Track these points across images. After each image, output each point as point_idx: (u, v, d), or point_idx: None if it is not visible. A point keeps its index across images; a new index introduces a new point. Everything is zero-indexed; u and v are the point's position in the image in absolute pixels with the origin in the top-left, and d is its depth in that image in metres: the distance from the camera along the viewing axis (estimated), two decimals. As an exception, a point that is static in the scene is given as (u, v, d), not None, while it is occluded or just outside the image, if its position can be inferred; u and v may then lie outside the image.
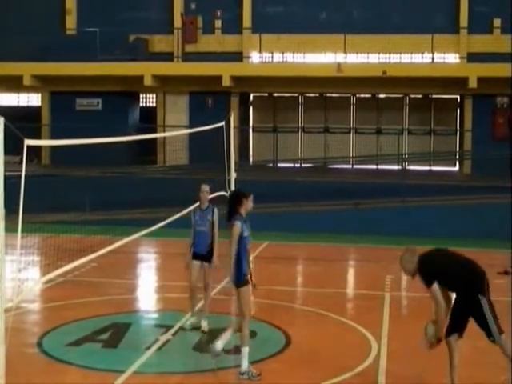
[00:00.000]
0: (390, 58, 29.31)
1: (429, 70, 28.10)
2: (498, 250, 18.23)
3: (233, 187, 15.63)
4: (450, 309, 8.25)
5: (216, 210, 11.18)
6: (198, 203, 11.30)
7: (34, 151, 27.21)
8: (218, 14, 30.22)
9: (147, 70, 28.41)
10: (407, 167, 27.43)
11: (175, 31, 29.90)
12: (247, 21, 30.00)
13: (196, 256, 11.05)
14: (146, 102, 31.88)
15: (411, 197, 22.05)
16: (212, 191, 11.78)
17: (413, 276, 8.46)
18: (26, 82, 28.94)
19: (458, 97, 29.52)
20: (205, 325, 10.94)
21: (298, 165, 28.25)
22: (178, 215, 13.01)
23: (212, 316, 11.23)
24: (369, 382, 8.76)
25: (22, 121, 20.95)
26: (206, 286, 11.13)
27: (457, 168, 29.07)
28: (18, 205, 7.14)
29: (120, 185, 23.08)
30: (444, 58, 29.24)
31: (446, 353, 8.35)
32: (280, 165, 28.72)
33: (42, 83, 29.67)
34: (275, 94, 30.70)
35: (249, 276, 9.25)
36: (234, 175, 15.73)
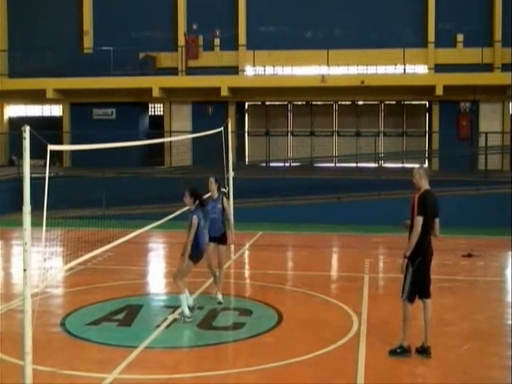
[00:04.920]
0: (367, 69, 29.30)
1: (401, 79, 28.09)
2: (462, 235, 18.28)
3: (231, 184, 15.64)
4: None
5: (225, 198, 11.28)
6: (209, 194, 11.25)
7: (57, 155, 27.15)
8: (217, 33, 30.18)
9: (155, 83, 28.37)
10: (383, 165, 27.48)
11: (179, 49, 29.86)
12: (242, 39, 29.96)
13: (211, 239, 11.07)
14: (154, 111, 31.81)
15: (386, 191, 22.06)
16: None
17: (418, 186, 8.64)
18: (49, 94, 28.90)
19: (427, 103, 29.53)
20: (220, 297, 11.09)
21: (287, 164, 28.18)
22: (183, 210, 12.98)
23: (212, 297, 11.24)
24: (351, 352, 8.77)
25: (46, 129, 20.96)
26: (220, 264, 11.23)
27: (426, 165, 29.06)
28: (43, 202, 7.13)
29: (132, 184, 23.08)
30: (414, 69, 29.23)
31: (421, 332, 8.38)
32: (272, 164, 28.70)
33: (62, 96, 29.61)
34: (267, 103, 30.69)
35: None
36: (231, 174, 15.72)
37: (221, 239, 11.16)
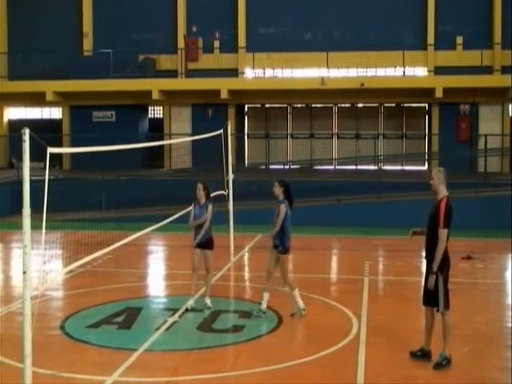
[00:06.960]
0: (366, 71, 29.30)
1: (401, 82, 28.11)
2: (462, 238, 18.24)
3: (231, 187, 15.63)
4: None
5: (210, 206, 10.98)
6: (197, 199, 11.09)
7: (56, 158, 27.15)
8: (216, 35, 30.20)
9: (155, 85, 28.39)
10: (382, 167, 27.49)
11: (179, 51, 29.87)
12: (242, 41, 29.98)
13: (197, 245, 10.99)
14: (154, 114, 31.80)
15: (386, 193, 22.08)
16: (213, 189, 11.68)
17: (435, 190, 8.26)
18: (49, 97, 28.92)
19: (426, 105, 29.54)
20: (208, 302, 11.00)
21: (287, 166, 28.25)
22: (183, 212, 13.00)
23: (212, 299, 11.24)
24: (351, 354, 8.77)
25: (46, 132, 20.94)
26: (207, 269, 11.11)
27: (426, 167, 29.07)
28: (42, 205, 7.13)
29: (132, 186, 23.09)
30: (414, 71, 29.23)
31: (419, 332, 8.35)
32: (271, 166, 28.70)
33: (62, 98, 29.63)
34: (267, 105, 30.69)
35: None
36: (231, 176, 15.72)
37: (207, 245, 11.01)
